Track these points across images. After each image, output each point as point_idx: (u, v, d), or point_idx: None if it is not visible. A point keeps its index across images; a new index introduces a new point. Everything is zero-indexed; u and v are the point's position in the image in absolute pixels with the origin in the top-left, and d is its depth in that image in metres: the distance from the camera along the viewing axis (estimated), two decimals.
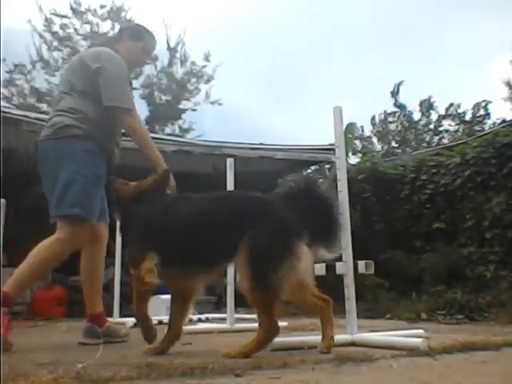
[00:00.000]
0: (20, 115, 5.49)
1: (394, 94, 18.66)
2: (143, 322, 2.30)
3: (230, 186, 3.49)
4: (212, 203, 2.20)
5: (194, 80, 16.40)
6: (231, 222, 2.04)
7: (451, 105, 18.10)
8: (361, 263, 2.41)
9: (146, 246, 2.14)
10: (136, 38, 2.83)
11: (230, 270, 3.39)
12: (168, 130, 16.16)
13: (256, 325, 3.66)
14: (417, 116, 18.87)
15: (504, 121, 11.93)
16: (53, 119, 2.63)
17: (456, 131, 17.75)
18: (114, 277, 4.86)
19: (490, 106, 17.10)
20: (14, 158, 5.33)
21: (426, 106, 18.47)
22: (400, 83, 18.53)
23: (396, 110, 18.95)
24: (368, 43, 26.08)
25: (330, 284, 2.38)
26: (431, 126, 18.54)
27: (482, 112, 17.24)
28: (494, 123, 16.28)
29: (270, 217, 2.01)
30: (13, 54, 14.70)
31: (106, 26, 15.71)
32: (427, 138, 18.37)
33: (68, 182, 2.48)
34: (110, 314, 4.62)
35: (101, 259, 2.88)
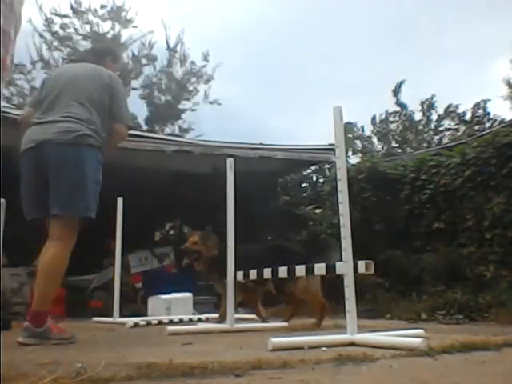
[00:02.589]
0: (20, 115, 5.48)
1: (396, 92, 18.62)
2: None
3: (230, 186, 3.49)
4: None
5: (193, 80, 16.40)
6: None
7: (449, 106, 18.09)
8: (361, 263, 2.41)
9: None
10: (115, 60, 3.33)
11: (230, 270, 3.39)
12: (168, 130, 16.16)
13: (256, 325, 3.68)
14: (417, 116, 18.87)
15: (502, 121, 11.94)
16: (67, 125, 2.74)
17: (456, 130, 17.75)
18: (113, 277, 4.86)
19: (489, 105, 17.11)
20: (13, 158, 5.33)
21: (428, 105, 18.45)
22: (402, 82, 18.51)
23: (397, 109, 18.92)
24: (368, 43, 26.08)
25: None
26: (431, 126, 18.53)
27: (481, 111, 17.24)
28: (494, 121, 16.31)
29: None
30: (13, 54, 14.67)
31: (106, 26, 15.73)
32: (427, 138, 18.36)
33: (85, 187, 2.71)
34: (110, 314, 4.63)
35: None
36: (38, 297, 2.63)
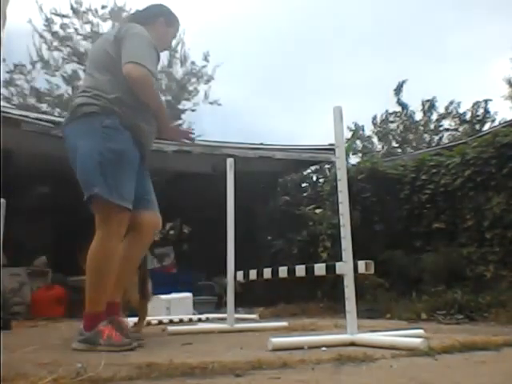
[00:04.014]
0: (20, 115, 5.49)
1: (398, 91, 18.61)
2: None
3: (230, 186, 3.49)
4: None
5: (193, 80, 16.41)
6: None
7: (451, 102, 18.09)
8: (361, 263, 2.41)
9: None
10: (170, 24, 2.77)
11: (230, 270, 3.39)
12: None
13: (256, 325, 3.67)
14: (418, 116, 18.87)
15: (503, 120, 11.93)
16: (71, 104, 2.54)
17: (456, 130, 17.75)
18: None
19: (490, 105, 17.12)
20: (13, 158, 5.34)
21: (429, 105, 18.44)
22: (404, 81, 18.51)
23: (398, 109, 18.92)
24: (368, 43, 26.08)
25: None
26: (432, 126, 18.53)
27: (481, 111, 17.24)
28: (494, 120, 16.31)
29: None
30: (13, 54, 14.69)
31: (106, 26, 15.73)
32: (427, 138, 18.36)
33: (85, 162, 2.34)
34: None
35: (137, 251, 2.61)
36: (86, 297, 2.33)
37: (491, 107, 17.10)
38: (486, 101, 17.10)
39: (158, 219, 2.67)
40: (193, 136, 2.93)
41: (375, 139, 19.23)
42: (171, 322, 4.33)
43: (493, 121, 16.45)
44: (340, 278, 2.44)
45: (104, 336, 2.21)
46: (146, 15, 2.70)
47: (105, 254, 2.32)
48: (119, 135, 2.37)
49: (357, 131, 14.26)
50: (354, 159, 13.74)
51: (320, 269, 2.65)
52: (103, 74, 2.45)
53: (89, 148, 2.34)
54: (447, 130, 18.09)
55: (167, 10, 2.77)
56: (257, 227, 7.26)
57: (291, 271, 2.89)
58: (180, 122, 16.33)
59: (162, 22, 2.72)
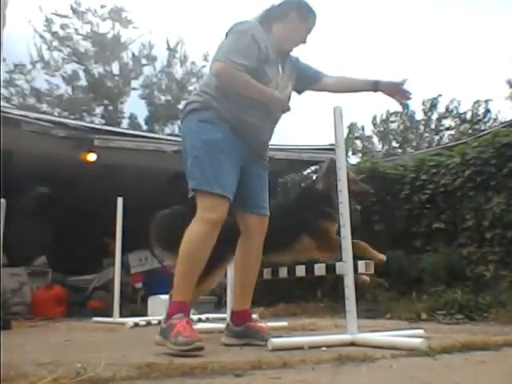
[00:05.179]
0: (20, 115, 5.49)
1: None
2: None
3: None
4: None
5: (193, 80, 16.40)
6: None
7: (451, 101, 18.09)
8: (361, 263, 2.41)
9: None
10: (303, 18, 2.60)
11: (230, 271, 3.39)
12: (168, 129, 16.16)
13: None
14: (419, 116, 18.87)
15: (503, 120, 11.93)
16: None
17: (456, 129, 17.74)
18: (113, 277, 4.86)
19: (490, 105, 17.13)
20: (13, 158, 5.34)
21: (430, 104, 18.43)
22: (404, 81, 18.49)
23: (398, 108, 18.91)
24: (368, 43, 26.09)
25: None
26: (432, 126, 18.53)
27: (482, 110, 17.25)
28: (495, 119, 16.30)
29: None
30: (13, 54, 14.69)
31: (106, 26, 15.74)
32: (428, 138, 18.36)
33: (185, 157, 2.39)
34: (110, 314, 4.63)
35: (253, 254, 2.55)
36: (174, 285, 2.30)
37: (492, 107, 17.15)
38: (486, 101, 17.12)
39: (265, 225, 2.56)
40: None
41: (375, 139, 19.24)
42: None
43: (495, 119, 16.47)
44: (340, 278, 2.44)
45: (174, 331, 2.11)
46: (280, 10, 2.59)
47: (195, 239, 2.28)
48: (214, 127, 2.35)
49: (352, 129, 14.21)
50: (354, 159, 13.75)
51: (320, 269, 2.65)
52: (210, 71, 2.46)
53: (188, 145, 2.38)
54: (448, 128, 18.06)
55: (302, 4, 2.62)
56: None
57: (291, 271, 2.89)
58: (180, 121, 16.35)
59: (294, 17, 2.57)
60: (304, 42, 2.68)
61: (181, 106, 16.32)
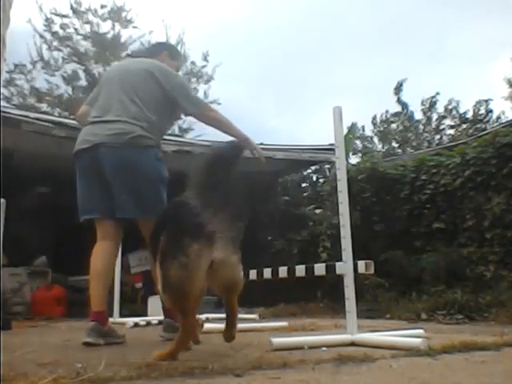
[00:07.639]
0: (20, 115, 5.49)
1: (398, 90, 18.59)
2: None
3: None
4: None
5: (193, 80, 16.39)
6: None
7: (451, 101, 18.07)
8: (361, 263, 2.41)
9: None
10: (173, 57, 3.08)
11: None
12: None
13: (256, 325, 3.67)
14: (418, 116, 18.86)
15: (503, 120, 11.94)
16: (120, 126, 2.63)
17: (456, 129, 17.74)
18: (113, 277, 4.86)
19: (490, 105, 17.12)
20: (14, 157, 5.34)
21: (430, 104, 18.42)
22: (403, 80, 18.50)
23: (398, 108, 18.90)
24: (368, 43, 26.10)
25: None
26: (432, 126, 18.52)
27: (483, 110, 17.24)
28: (497, 118, 16.30)
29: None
30: (13, 54, 14.68)
31: (106, 26, 15.71)
32: (428, 138, 18.36)
33: (149, 190, 2.64)
34: (111, 314, 4.63)
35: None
36: (91, 297, 2.60)
37: (492, 107, 17.13)
38: (486, 100, 17.12)
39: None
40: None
41: (375, 139, 19.24)
42: None
43: (498, 118, 16.47)
44: (340, 278, 2.44)
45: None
46: (151, 49, 3.03)
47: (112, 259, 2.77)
48: (164, 165, 2.74)
49: (352, 128, 14.22)
50: (354, 159, 13.75)
51: (320, 269, 2.65)
52: (149, 109, 2.69)
53: (153, 179, 2.66)
54: (450, 127, 18.04)
55: (170, 45, 3.13)
56: (257, 227, 7.25)
57: (291, 271, 2.89)
58: (180, 121, 16.35)
59: (165, 55, 3.01)
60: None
61: None
